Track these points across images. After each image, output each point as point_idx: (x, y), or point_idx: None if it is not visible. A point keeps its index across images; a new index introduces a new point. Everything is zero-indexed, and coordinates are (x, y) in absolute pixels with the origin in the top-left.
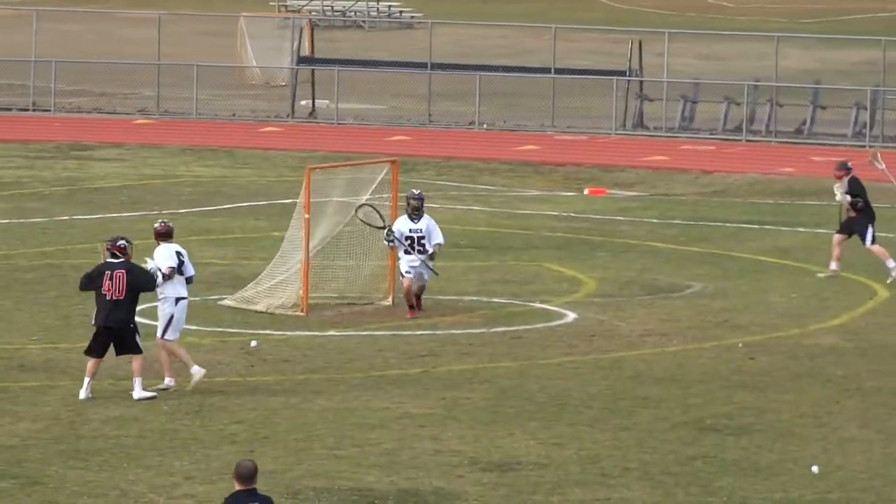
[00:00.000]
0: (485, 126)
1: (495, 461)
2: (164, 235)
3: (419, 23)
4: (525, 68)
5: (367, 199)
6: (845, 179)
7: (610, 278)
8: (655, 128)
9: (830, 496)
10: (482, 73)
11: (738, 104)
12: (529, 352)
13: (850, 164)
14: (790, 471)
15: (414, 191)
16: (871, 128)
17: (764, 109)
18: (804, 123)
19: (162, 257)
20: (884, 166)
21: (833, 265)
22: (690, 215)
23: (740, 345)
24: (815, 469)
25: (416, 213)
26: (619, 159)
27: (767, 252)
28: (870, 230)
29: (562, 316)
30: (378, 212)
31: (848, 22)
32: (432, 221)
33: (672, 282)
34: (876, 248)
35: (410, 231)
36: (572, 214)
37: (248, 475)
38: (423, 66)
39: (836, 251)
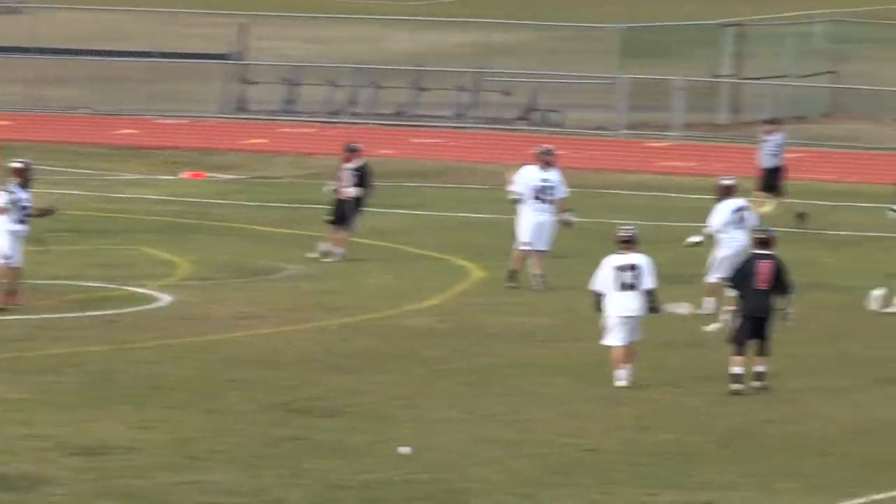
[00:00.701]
0: (89, 110)
1: (85, 445)
2: None
3: (25, 7)
4: (128, 52)
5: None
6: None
7: (206, 261)
8: (257, 111)
9: (419, 477)
10: (86, 58)
11: (342, 87)
12: (123, 335)
13: (357, 145)
14: (380, 452)
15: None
16: (476, 109)
17: (366, 92)
18: (404, 106)
19: None
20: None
21: (324, 246)
22: (288, 198)
23: (335, 327)
24: (405, 450)
25: (30, 182)
26: (219, 143)
27: (364, 234)
28: (356, 218)
29: (156, 299)
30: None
31: (450, 5)
32: None
33: (268, 264)
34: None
35: (24, 201)
36: (170, 198)
37: None
38: (26, 50)
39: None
